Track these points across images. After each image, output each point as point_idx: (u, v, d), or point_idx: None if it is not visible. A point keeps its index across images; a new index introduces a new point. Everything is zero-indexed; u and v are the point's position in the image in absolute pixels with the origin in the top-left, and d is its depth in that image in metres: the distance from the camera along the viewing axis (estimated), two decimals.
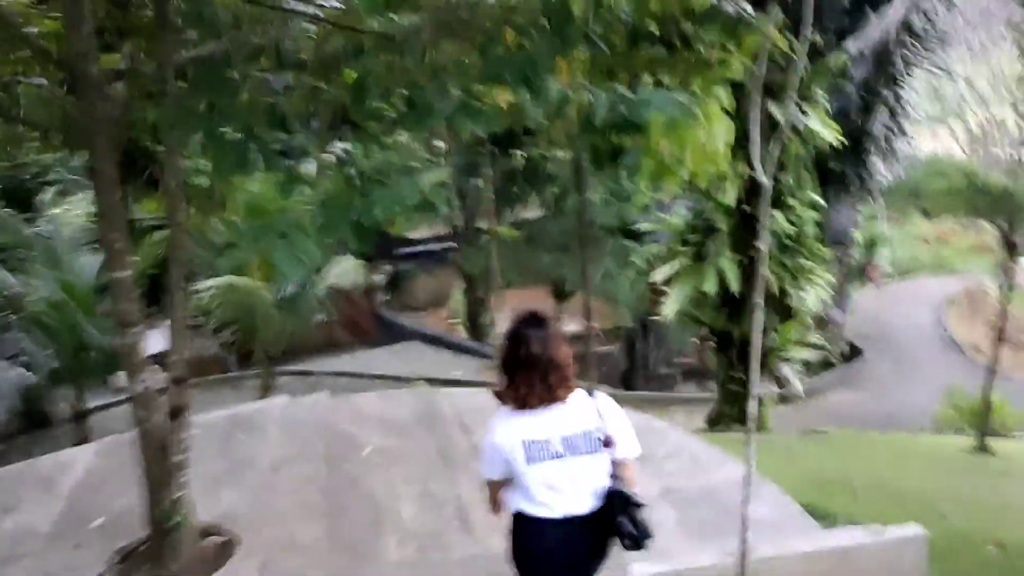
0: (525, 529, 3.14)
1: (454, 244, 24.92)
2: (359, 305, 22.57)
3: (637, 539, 3.05)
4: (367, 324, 22.56)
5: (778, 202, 10.03)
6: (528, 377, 3.00)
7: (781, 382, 11.43)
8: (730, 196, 9.75)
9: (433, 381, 14.98)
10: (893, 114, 15.10)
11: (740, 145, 9.70)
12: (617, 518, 3.04)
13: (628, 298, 20.24)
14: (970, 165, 9.72)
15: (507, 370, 3.07)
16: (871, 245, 24.59)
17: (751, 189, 10.00)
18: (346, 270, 13.47)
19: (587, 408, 3.08)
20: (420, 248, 28.23)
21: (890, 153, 15.91)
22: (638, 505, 3.06)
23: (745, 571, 3.56)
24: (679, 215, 11.00)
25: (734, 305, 10.57)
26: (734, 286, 9.98)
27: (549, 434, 3.02)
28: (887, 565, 4.03)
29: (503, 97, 4.08)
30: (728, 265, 9.98)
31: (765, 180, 3.63)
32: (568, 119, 4.42)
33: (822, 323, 17.33)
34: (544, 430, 3.02)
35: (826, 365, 18.28)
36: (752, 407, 3.68)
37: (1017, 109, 31.23)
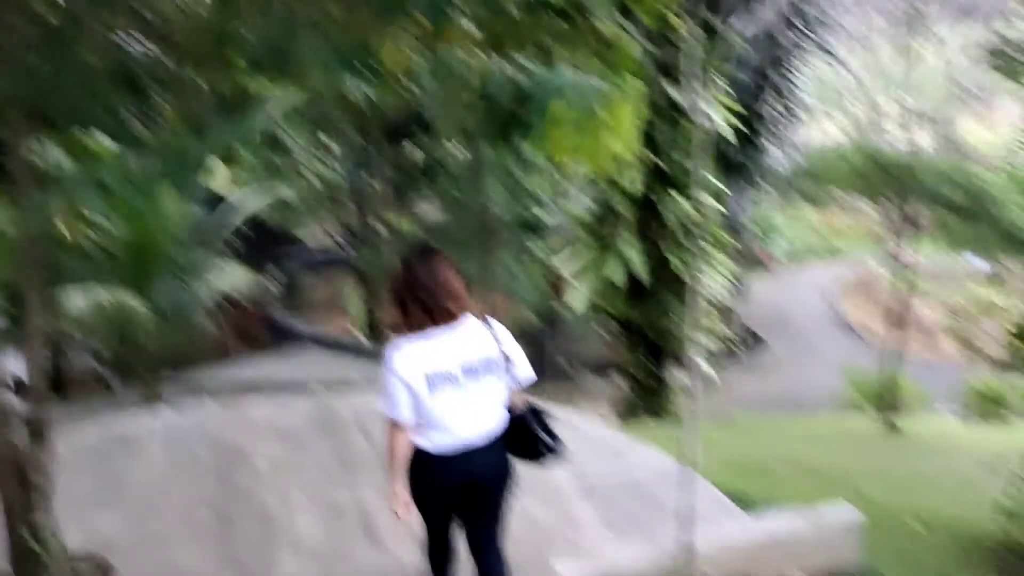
0: (429, 463, 3.11)
1: (349, 246, 24.33)
2: (249, 312, 21.72)
3: (555, 448, 3.19)
4: (258, 331, 21.76)
5: (680, 187, 9.98)
6: (419, 301, 3.02)
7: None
8: (633, 183, 9.64)
9: (329, 384, 14.45)
10: (783, 100, 15.43)
11: (641, 130, 9.64)
12: (534, 431, 3.14)
13: (530, 294, 20.11)
14: (872, 146, 9.80)
15: (399, 300, 3.08)
16: (764, 233, 25.16)
17: (653, 175, 9.93)
18: (231, 276, 12.79)
19: (483, 333, 3.12)
20: (313, 251, 27.52)
21: (782, 139, 16.28)
22: (550, 415, 3.20)
23: (687, 566, 3.34)
24: (581, 205, 10.84)
25: (641, 294, 10.48)
26: (641, 274, 9.88)
27: (448, 362, 3.02)
28: (822, 547, 3.89)
29: (396, 59, 3.76)
30: (633, 253, 9.88)
31: (705, 120, 3.43)
32: (465, 91, 4.14)
33: (721, 311, 17.54)
34: (443, 359, 3.02)
35: (727, 353, 18.52)
36: (694, 383, 3.48)
37: (897, 97, 32.61)
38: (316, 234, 27.20)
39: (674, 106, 9.81)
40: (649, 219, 10.03)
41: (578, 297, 10.28)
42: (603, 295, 10.69)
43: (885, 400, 12.57)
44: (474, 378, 3.07)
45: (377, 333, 23.32)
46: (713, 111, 9.98)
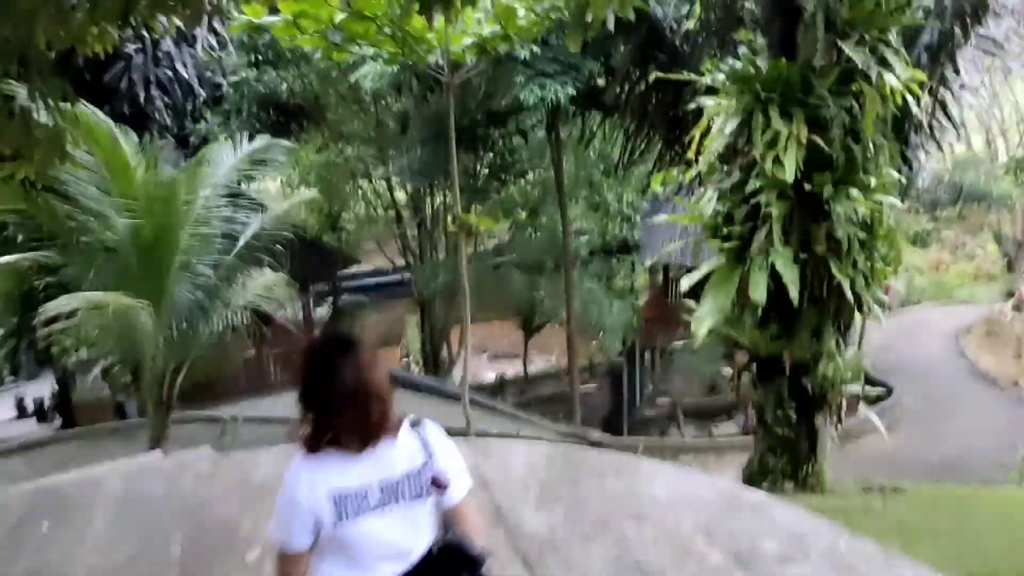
0: None
1: (407, 273, 22.46)
2: (294, 339, 19.88)
3: None
4: None
5: (851, 178, 7.63)
6: (341, 414, 2.50)
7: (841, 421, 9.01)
8: (789, 169, 7.33)
9: None
10: (936, 96, 12.93)
11: (798, 98, 7.25)
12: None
13: (615, 326, 17.78)
14: None
15: (312, 407, 2.53)
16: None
17: (812, 160, 7.60)
18: (269, 286, 10.71)
19: (411, 443, 2.65)
20: (370, 280, 25.94)
21: (931, 143, 13.72)
22: (479, 560, 2.64)
23: None
24: (708, 200, 8.48)
25: (787, 319, 8.11)
26: (793, 292, 7.49)
27: (366, 481, 2.54)
28: None
29: None
30: (784, 264, 7.50)
31: None
32: None
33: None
34: (359, 477, 2.54)
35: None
36: None
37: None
38: (373, 255, 25.51)
39: (847, 67, 7.51)
40: (806, 220, 7.67)
41: (702, 321, 7.91)
42: (732, 321, 8.33)
43: None
44: (398, 499, 2.58)
45: (435, 366, 21.32)
46: (895, 78, 7.67)
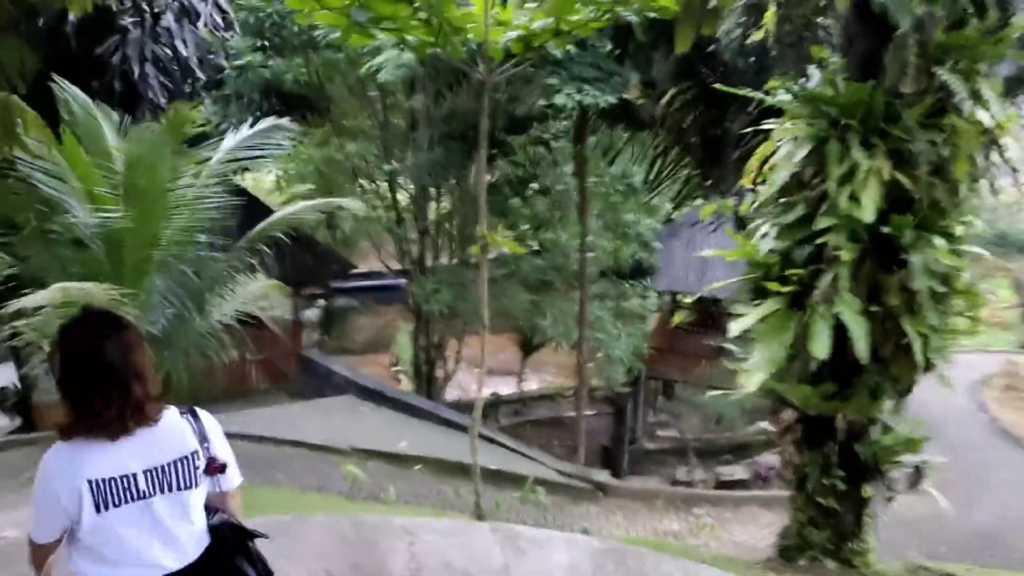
0: None
1: (403, 278, 21.54)
2: (281, 343, 18.90)
3: None
4: (289, 367, 18.81)
5: (935, 224, 6.79)
6: (102, 394, 2.38)
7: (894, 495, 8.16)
8: (868, 208, 6.48)
9: (370, 454, 11.53)
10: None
11: (881, 128, 6.36)
12: (235, 559, 2.56)
13: (622, 353, 16.88)
14: None
15: (69, 387, 2.44)
16: None
17: (892, 200, 6.75)
18: (258, 294, 9.77)
19: (182, 428, 2.53)
20: (364, 282, 24.99)
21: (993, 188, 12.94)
22: (254, 535, 2.64)
23: None
24: (764, 236, 7.61)
25: (844, 377, 7.25)
26: (860, 347, 6.64)
27: (130, 467, 2.40)
28: None
29: None
30: (852, 316, 6.66)
31: None
32: None
33: None
34: (122, 463, 2.39)
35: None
36: None
37: None
38: (368, 256, 24.61)
39: (938, 98, 6.67)
40: (878, 268, 6.82)
41: (756, 375, 7.04)
42: (781, 375, 7.44)
43: None
44: (166, 487, 2.43)
45: (428, 382, 20.39)
46: (991, 111, 6.82)
